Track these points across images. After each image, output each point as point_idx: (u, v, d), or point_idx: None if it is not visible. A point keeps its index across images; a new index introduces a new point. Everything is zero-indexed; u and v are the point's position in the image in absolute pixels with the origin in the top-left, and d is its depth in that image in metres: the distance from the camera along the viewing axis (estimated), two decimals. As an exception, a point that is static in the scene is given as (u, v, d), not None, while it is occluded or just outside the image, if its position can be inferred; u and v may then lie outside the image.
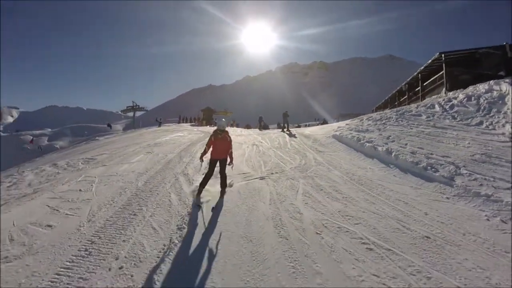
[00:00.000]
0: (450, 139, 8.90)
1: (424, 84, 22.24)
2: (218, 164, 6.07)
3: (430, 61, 20.22)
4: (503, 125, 9.31)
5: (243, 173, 8.13)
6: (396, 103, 28.04)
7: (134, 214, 5.38)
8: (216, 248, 4.23)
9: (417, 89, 23.48)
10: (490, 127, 9.47)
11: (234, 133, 18.64)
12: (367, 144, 9.74)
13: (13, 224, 5.18)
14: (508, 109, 10.49)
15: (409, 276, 3.50)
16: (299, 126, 34.10)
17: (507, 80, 12.93)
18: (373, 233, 4.52)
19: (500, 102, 11.24)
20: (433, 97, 17.02)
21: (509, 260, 3.70)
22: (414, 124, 11.18)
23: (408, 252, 3.96)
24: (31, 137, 57.08)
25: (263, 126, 26.07)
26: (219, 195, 6.02)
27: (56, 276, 3.61)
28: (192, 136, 16.59)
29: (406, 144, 9.07)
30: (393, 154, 8.33)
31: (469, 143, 8.33)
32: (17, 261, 3.99)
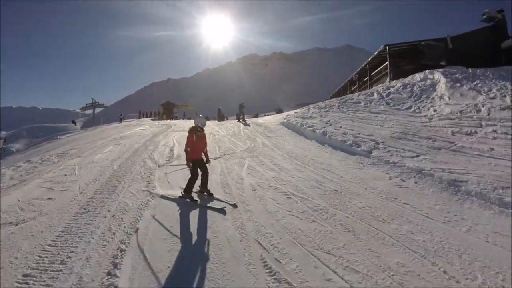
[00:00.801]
0: (378, 122, 10.69)
1: (372, 74, 24.66)
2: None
3: (376, 53, 22.54)
4: (428, 109, 11.29)
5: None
6: (348, 92, 30.47)
7: (115, 186, 6.78)
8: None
9: (365, 79, 25.96)
10: (417, 110, 11.41)
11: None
12: (308, 128, 11.31)
13: (18, 201, 6.26)
14: (436, 94, 12.59)
15: (313, 211, 4.96)
16: (256, 116, 35.59)
17: (440, 70, 15.25)
18: (295, 189, 6.09)
19: (431, 89, 13.35)
20: (379, 85, 19.21)
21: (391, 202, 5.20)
22: (352, 110, 12.96)
23: (317, 199, 5.42)
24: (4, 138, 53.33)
25: (221, 117, 28.01)
26: (210, 194, 6.03)
27: (67, 225, 4.91)
28: (154, 129, 18.02)
29: (340, 127, 10.72)
30: (327, 135, 9.96)
31: (393, 124, 10.13)
32: (33, 220, 5.17)
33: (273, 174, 7.20)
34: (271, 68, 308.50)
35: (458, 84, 12.58)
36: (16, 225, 5.03)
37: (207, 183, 6.10)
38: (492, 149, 6.95)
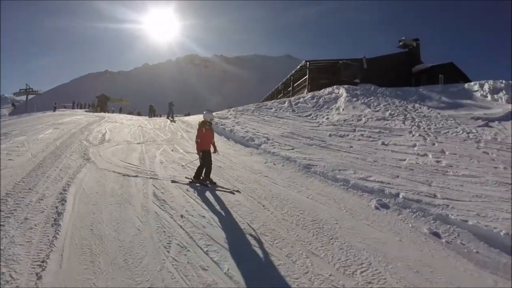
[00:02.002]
0: (277, 124, 13.40)
1: (295, 85, 28.17)
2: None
3: (298, 67, 26.07)
4: (322, 117, 14.28)
5: (127, 141, 12.22)
6: (274, 99, 33.83)
7: (60, 155, 8.91)
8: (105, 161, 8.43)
9: (289, 89, 29.42)
10: (314, 118, 14.33)
11: (125, 118, 23.24)
12: (220, 126, 13.71)
13: None
14: (335, 106, 15.73)
15: (185, 170, 7.07)
16: (188, 115, 37.17)
17: (345, 86, 18.66)
18: (191, 164, 8.43)
19: (333, 101, 16.54)
20: (297, 95, 22.33)
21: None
22: (262, 114, 15.62)
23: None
24: None
25: (152, 114, 31.18)
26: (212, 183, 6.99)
27: (28, 173, 6.97)
28: (89, 119, 19.70)
29: (246, 127, 13.23)
30: (233, 132, 12.46)
31: (288, 127, 12.87)
32: (2, 170, 7.06)
33: (180, 156, 9.87)
34: (211, 70, 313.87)
35: (355, 99, 15.89)
36: None
37: (209, 173, 7.02)
38: (351, 147, 9.83)
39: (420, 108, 13.71)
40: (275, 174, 7.84)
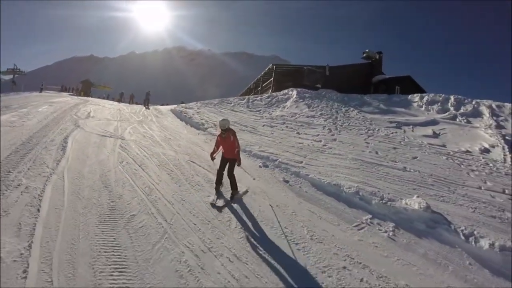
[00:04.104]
0: (229, 115, 16.58)
1: (263, 85, 31.49)
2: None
3: (266, 69, 29.44)
4: (268, 113, 17.48)
5: (107, 118, 15.81)
6: (248, 95, 37.04)
7: (58, 122, 12.51)
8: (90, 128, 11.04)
9: (259, 88, 32.70)
10: (261, 113, 17.53)
11: (107, 103, 26.76)
12: (183, 114, 16.91)
13: (3, 120, 10.93)
14: (283, 105, 18.95)
15: (153, 142, 10.23)
16: (163, 105, 39.70)
17: (298, 88, 21.92)
18: (151, 136, 11.97)
19: (284, 101, 19.78)
20: (265, 94, 25.47)
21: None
22: (221, 108, 18.80)
23: (159, 140, 10.74)
24: None
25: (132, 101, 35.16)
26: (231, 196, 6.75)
27: (39, 130, 10.37)
28: (76, 101, 23.00)
29: (203, 116, 16.35)
30: (191, 119, 15.62)
31: (236, 118, 16.02)
32: (19, 127, 10.24)
33: (144, 131, 13.34)
34: (197, 64, 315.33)
35: (301, 100, 19.16)
36: (12, 128, 10.08)
37: (234, 187, 6.75)
38: (272, 133, 13.06)
39: (351, 111, 16.89)
40: (207, 146, 11.01)
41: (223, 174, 6.87)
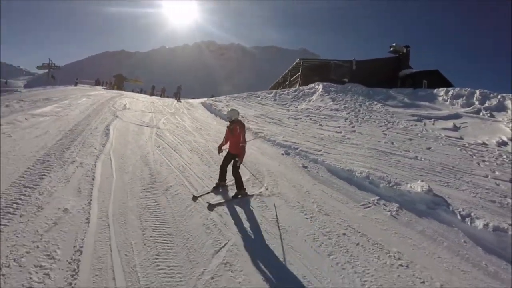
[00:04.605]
0: (256, 108, 17.27)
1: (291, 79, 31.98)
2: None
3: (294, 64, 29.95)
4: (294, 106, 18.05)
5: (142, 110, 16.83)
6: (276, 89, 37.71)
7: (98, 113, 13.51)
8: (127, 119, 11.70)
9: (287, 82, 33.20)
10: (287, 106, 18.13)
11: (141, 96, 28.29)
12: (213, 107, 17.76)
13: (49, 111, 12.32)
14: (309, 99, 19.46)
15: (186, 131, 11.18)
16: (194, 98, 41.12)
17: (324, 83, 22.31)
18: (183, 126, 12.80)
19: (310, 95, 20.27)
20: (292, 88, 26.00)
21: None
22: (250, 101, 19.55)
23: (190, 129, 11.67)
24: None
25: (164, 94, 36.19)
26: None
27: (83, 119, 11.56)
28: (111, 94, 24.10)
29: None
30: (220, 111, 16.40)
31: (263, 110, 16.72)
32: (65, 117, 11.53)
33: (177, 122, 14.29)
34: (227, 58, 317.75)
35: (326, 94, 19.59)
36: (58, 117, 11.25)
37: (240, 185, 6.12)
38: (296, 125, 13.66)
39: (374, 104, 17.12)
40: (235, 136, 11.82)
41: (226, 170, 6.33)
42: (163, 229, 4.63)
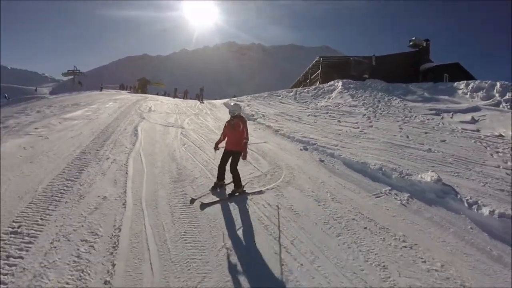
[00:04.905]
0: (277, 107, 17.71)
1: (312, 77, 32.14)
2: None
3: (314, 62, 30.07)
4: (314, 104, 18.36)
5: (166, 112, 17.54)
6: (297, 88, 37.88)
7: (126, 115, 14.22)
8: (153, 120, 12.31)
9: (307, 80, 33.39)
10: (307, 104, 18.46)
11: (164, 98, 29.61)
12: None
13: (80, 114, 13.07)
14: (328, 96, 19.71)
15: (208, 130, 11.79)
16: (216, 99, 41.99)
17: (344, 80, 22.42)
18: (206, 126, 13.47)
19: (330, 92, 20.50)
20: (313, 86, 26.23)
21: None
22: (270, 100, 20.02)
23: (213, 129, 12.20)
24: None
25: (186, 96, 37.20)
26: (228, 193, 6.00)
27: (111, 122, 12.17)
28: (136, 97, 24.79)
29: (253, 108, 17.65)
30: (243, 111, 16.72)
31: (283, 109, 17.13)
32: (96, 119, 12.27)
33: (200, 122, 14.97)
34: (249, 58, 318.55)
35: (345, 91, 19.75)
36: (89, 120, 11.93)
37: (238, 184, 5.99)
38: (315, 122, 13.99)
39: (393, 100, 17.09)
40: (255, 134, 12.32)
41: (225, 169, 6.08)
42: (190, 212, 5.22)
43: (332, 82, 22.55)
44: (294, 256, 4.16)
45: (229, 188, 6.31)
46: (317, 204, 5.91)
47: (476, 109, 13.81)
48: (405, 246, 4.65)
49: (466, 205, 6.09)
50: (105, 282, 3.40)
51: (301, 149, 10.15)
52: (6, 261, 3.50)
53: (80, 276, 3.45)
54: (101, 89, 40.01)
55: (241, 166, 7.44)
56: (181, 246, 4.21)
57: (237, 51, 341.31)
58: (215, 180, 6.38)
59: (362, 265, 4.06)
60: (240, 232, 4.75)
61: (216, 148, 6.36)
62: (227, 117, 11.18)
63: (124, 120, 12.80)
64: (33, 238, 3.99)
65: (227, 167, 6.09)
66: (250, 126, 13.29)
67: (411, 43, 28.52)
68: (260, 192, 6.29)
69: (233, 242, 4.45)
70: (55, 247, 3.87)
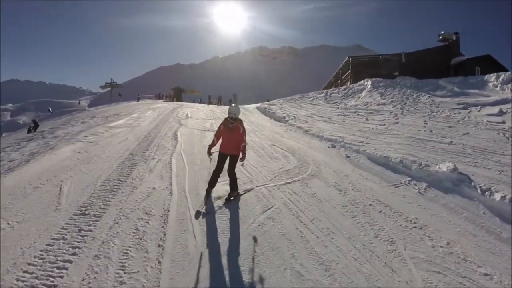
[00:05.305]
0: (308, 109, 18.29)
1: (342, 78, 32.22)
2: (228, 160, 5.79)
3: (344, 62, 30.16)
4: (344, 104, 18.73)
5: (202, 118, 17.87)
6: (328, 89, 37.94)
7: (165, 122, 15.16)
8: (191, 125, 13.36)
9: (338, 81, 33.49)
10: (337, 104, 18.86)
11: (200, 105, 30.65)
12: (267, 110, 19.09)
13: (124, 122, 14.56)
14: (358, 95, 19.97)
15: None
16: (249, 104, 42.80)
17: (372, 79, 22.47)
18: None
19: (359, 92, 20.72)
20: (343, 87, 26.43)
21: None
22: (302, 102, 20.61)
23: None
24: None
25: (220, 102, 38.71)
26: (225, 197, 5.81)
27: (152, 129, 13.23)
28: (173, 106, 26.12)
29: (285, 110, 18.35)
30: (274, 113, 17.71)
31: (313, 110, 17.67)
32: (137, 127, 13.40)
33: None
34: (280, 62, 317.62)
35: (375, 90, 19.88)
36: (132, 128, 13.09)
37: (234, 187, 5.83)
38: (344, 121, 14.44)
39: (422, 96, 16.95)
40: (286, 134, 13.01)
41: (220, 175, 5.82)
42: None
43: (361, 82, 22.65)
44: (312, 230, 4.88)
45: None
46: (338, 193, 6.54)
47: (505, 101, 13.53)
48: (415, 227, 5.16)
49: (479, 191, 6.41)
50: (159, 246, 4.37)
51: (329, 147, 10.71)
52: (78, 233, 4.55)
53: (139, 241, 4.45)
54: (138, 99, 42.09)
55: (271, 161, 8.27)
56: (219, 220, 5.21)
57: (268, 55, 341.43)
58: (248, 174, 7.50)
59: (372, 240, 4.68)
60: (268, 212, 5.54)
61: (210, 153, 5.88)
62: (259, 120, 11.71)
63: (164, 127, 13.69)
64: (98, 218, 5.04)
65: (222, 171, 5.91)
66: (282, 127, 14.13)
67: (440, 37, 27.95)
68: (251, 189, 6.63)
69: (261, 219, 5.28)
70: (117, 223, 4.90)
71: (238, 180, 6.14)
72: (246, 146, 5.95)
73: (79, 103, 68.73)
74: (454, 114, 12.87)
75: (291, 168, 8.16)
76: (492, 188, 6.40)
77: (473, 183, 6.71)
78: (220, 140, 5.75)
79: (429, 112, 13.66)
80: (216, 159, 5.82)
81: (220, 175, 5.91)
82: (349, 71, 29.21)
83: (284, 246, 4.46)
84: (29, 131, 17.26)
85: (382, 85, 20.51)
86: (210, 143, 5.94)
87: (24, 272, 3.64)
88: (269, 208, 5.68)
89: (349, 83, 28.07)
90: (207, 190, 5.82)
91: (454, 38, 27.67)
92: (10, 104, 75.74)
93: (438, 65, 26.30)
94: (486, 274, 4.01)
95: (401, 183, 7.21)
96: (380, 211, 5.69)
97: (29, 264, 3.79)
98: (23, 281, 3.49)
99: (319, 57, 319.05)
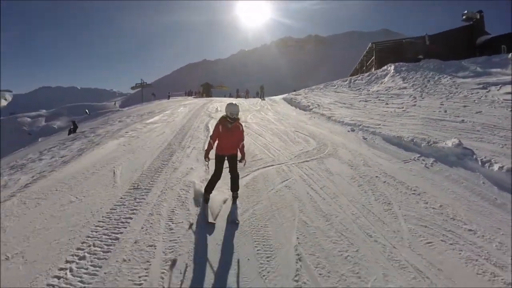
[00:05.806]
0: (332, 96, 18.82)
1: (367, 64, 31.95)
2: (226, 161, 5.31)
3: (367, 48, 29.92)
4: (367, 90, 19.06)
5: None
6: (353, 76, 37.63)
7: (196, 116, 15.63)
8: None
9: (364, 68, 33.25)
10: (360, 91, 19.22)
11: (229, 100, 30.58)
12: (293, 100, 19.78)
13: (159, 118, 15.23)
14: (381, 81, 20.21)
15: (268, 122, 13.59)
16: (277, 95, 43.13)
17: (395, 63, 22.42)
18: (267, 119, 14.86)
19: (382, 77, 20.90)
20: (367, 73, 26.44)
21: None
22: (326, 90, 21.13)
23: (272, 120, 14.00)
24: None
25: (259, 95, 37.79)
26: (231, 201, 5.34)
27: (186, 122, 13.93)
28: (203, 101, 26.89)
29: (309, 100, 18.97)
30: (299, 103, 18.43)
31: (337, 97, 18.18)
32: (172, 122, 13.96)
33: (262, 116, 15.87)
34: (306, 51, 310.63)
35: (398, 74, 19.98)
36: (167, 123, 13.91)
37: (236, 188, 5.32)
38: (365, 106, 14.90)
39: (443, 78, 16.85)
40: (310, 121, 13.74)
41: (219, 178, 5.24)
42: (249, 174, 7.02)
43: (385, 67, 22.73)
44: (320, 195, 5.78)
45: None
46: (350, 168, 7.29)
47: (526, 79, 13.49)
48: (413, 193, 5.78)
49: (480, 163, 6.89)
50: (199, 206, 5.44)
51: (348, 131, 11.34)
52: (134, 201, 5.64)
53: (182, 205, 5.52)
54: (168, 97, 43.08)
55: (292, 145, 9.17)
56: (248, 191, 6.11)
57: (294, 45, 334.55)
58: (271, 155, 8.45)
59: (371, 202, 5.45)
60: (286, 182, 6.47)
61: (207, 158, 5.28)
62: (285, 110, 12.32)
63: (196, 120, 14.30)
64: (149, 190, 6.10)
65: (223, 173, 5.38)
66: (306, 116, 14.88)
67: (464, 17, 27.17)
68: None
69: (279, 187, 6.23)
70: (164, 193, 5.96)
71: (261, 161, 7.31)
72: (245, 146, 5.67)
73: (115, 104, 70.56)
74: (472, 94, 12.95)
75: (310, 150, 8.93)
76: (492, 160, 6.78)
77: (475, 156, 7.16)
78: (216, 142, 5.17)
79: (447, 94, 13.81)
80: (214, 163, 5.22)
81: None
82: (373, 57, 29.02)
83: (295, 205, 5.38)
84: (69, 133, 17.71)
85: (405, 69, 20.56)
86: (206, 147, 5.33)
87: (96, 226, 4.76)
88: (287, 180, 6.58)
89: (373, 69, 27.96)
90: (205, 197, 5.25)
91: (478, 17, 26.81)
92: (44, 110, 78.79)
93: (463, 46, 25.78)
94: (470, 230, 4.53)
95: (410, 159, 7.76)
96: (385, 181, 6.38)
97: (99, 221, 4.92)
98: (96, 232, 4.60)
99: (346, 44, 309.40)
